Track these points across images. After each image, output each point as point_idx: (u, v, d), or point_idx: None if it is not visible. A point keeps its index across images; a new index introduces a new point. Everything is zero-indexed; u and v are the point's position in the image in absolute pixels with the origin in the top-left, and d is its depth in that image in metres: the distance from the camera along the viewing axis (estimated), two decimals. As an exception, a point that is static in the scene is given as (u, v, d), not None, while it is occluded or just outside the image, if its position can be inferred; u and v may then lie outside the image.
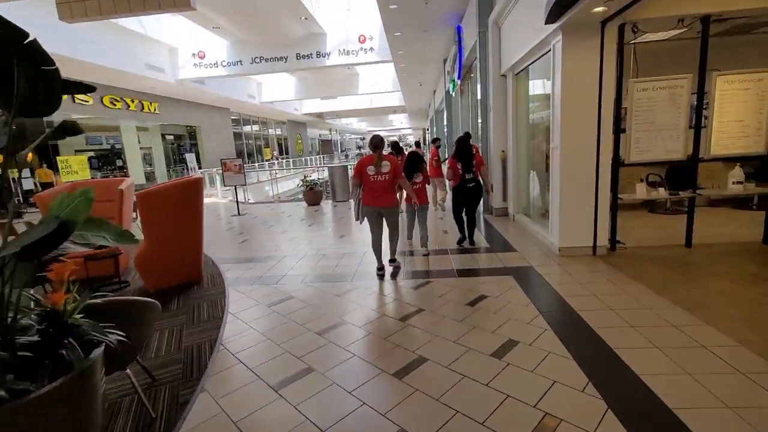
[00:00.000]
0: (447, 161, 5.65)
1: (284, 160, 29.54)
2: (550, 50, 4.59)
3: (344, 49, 14.84)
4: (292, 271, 4.67)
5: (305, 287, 4.08)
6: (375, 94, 26.72)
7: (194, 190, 4.25)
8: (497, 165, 7.01)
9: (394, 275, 4.30)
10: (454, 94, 12.37)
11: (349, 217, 8.20)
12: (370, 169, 4.08)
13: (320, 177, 10.88)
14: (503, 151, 6.93)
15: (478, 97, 7.46)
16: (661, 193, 4.50)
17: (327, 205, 10.15)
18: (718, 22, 4.82)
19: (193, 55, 15.27)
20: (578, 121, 4.27)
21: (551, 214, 4.73)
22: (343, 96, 26.78)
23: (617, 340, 2.62)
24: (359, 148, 52.55)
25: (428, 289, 3.81)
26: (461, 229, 5.37)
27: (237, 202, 9.54)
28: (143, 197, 3.87)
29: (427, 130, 36.78)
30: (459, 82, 10.60)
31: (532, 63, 5.43)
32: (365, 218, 4.32)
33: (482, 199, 7.56)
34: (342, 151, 50.50)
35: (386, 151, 4.73)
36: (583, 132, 4.29)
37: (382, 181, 4.09)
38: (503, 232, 5.94)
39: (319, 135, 45.28)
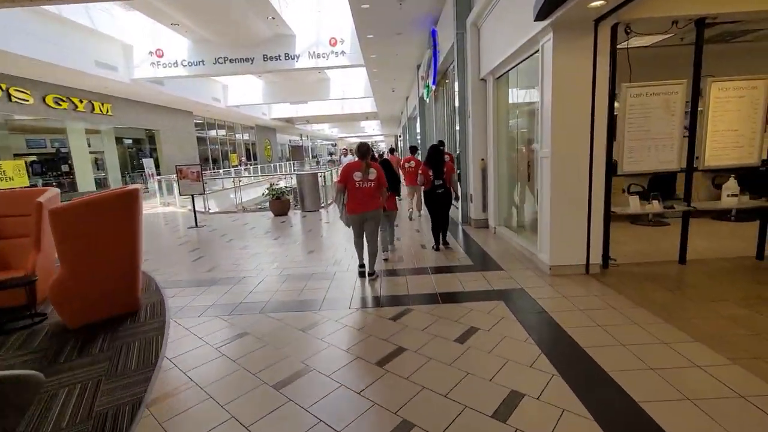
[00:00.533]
0: (420, 167, 5.77)
1: (252, 166, 28.39)
2: (537, 51, 4.22)
3: (314, 52, 14.25)
4: (249, 297, 4.01)
5: (264, 319, 3.44)
6: (346, 100, 26.23)
7: (128, 203, 3.53)
8: (477, 174, 6.62)
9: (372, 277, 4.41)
10: (428, 100, 12.03)
11: (319, 229, 7.58)
12: (357, 175, 4.11)
13: (287, 185, 10.17)
14: (483, 159, 6.55)
15: (456, 102, 7.08)
16: (655, 206, 4.20)
17: (295, 215, 9.47)
18: (708, 27, 4.66)
19: (151, 53, 14.21)
20: (570, 128, 3.90)
21: (540, 229, 4.33)
22: (313, 101, 26.10)
23: (640, 390, 2.17)
24: (331, 154, 51.69)
25: (409, 319, 3.27)
26: (437, 240, 5.52)
27: (194, 212, 8.69)
28: (57, 213, 3.13)
29: (399, 137, 36.59)
30: (434, 87, 10.26)
31: (516, 66, 5.07)
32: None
33: (460, 210, 7.19)
34: (313, 157, 49.50)
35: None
36: (575, 139, 3.92)
37: (367, 188, 4.14)
38: (485, 247, 5.52)
39: (290, 141, 44.19)
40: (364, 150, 4.19)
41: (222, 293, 4.16)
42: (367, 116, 33.15)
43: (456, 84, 6.90)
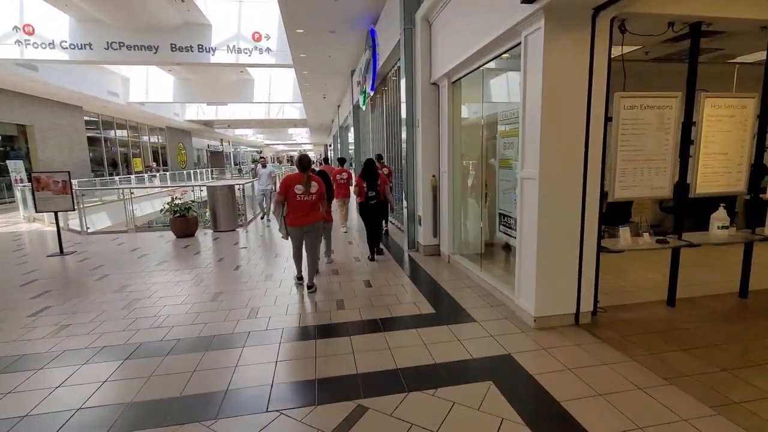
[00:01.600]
0: (354, 179, 6.06)
1: (159, 173, 24.90)
2: (514, 47, 3.40)
3: (234, 46, 12.52)
4: (98, 395, 2.48)
5: (112, 448, 1.99)
6: (273, 104, 24.41)
7: None
8: (427, 193, 5.69)
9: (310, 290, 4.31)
10: (364, 108, 11.04)
11: (234, 257, 6.03)
12: (298, 188, 4.03)
13: (194, 200, 8.27)
14: (434, 176, 5.65)
15: (402, 110, 6.11)
16: (647, 240, 3.56)
17: (205, 236, 7.72)
18: (676, 40, 4.27)
19: (16, 28, 11.30)
20: (563, 142, 3.07)
21: (521, 268, 3.44)
22: (234, 103, 23.82)
23: None
24: (254, 162, 48.37)
25: (363, 430, 2.08)
26: (371, 246, 5.71)
27: (59, 234, 6.54)
28: None
29: (330, 146, 35.29)
30: (371, 93, 9.28)
31: (480, 66, 4.22)
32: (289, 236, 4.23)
33: (406, 233, 6.19)
34: (236, 164, 45.71)
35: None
36: (568, 156, 3.10)
37: (308, 201, 4.07)
38: (442, 282, 4.54)
39: (208, 146, 40.35)
40: (305, 163, 4.14)
41: (52, 386, 2.56)
42: (295, 123, 31.40)
43: (402, 88, 5.95)
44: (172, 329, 3.40)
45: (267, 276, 4.94)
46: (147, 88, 19.61)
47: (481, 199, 4.73)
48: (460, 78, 4.81)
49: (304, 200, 4.02)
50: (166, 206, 7.63)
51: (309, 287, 4.30)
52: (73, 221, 8.67)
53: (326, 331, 3.33)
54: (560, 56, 2.96)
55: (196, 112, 26.58)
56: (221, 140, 42.82)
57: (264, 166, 9.08)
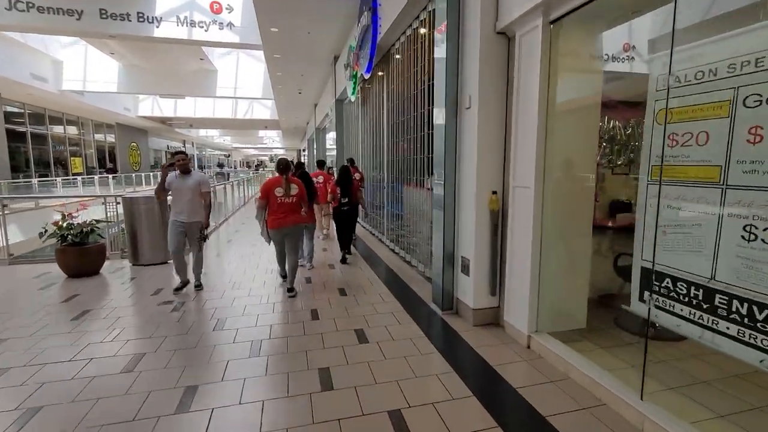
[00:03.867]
0: (329, 186, 6.06)
1: (97, 175, 21.37)
2: None
3: (186, 18, 9.86)
4: None
5: None
6: (240, 101, 21.57)
7: None
8: (481, 221, 3.33)
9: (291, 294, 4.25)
10: (354, 98, 8.63)
11: (143, 325, 3.40)
12: (278, 191, 4.08)
13: (105, 219, 5.47)
14: (494, 192, 3.31)
15: (438, 84, 3.76)
16: None
17: (116, 274, 5.02)
18: None
19: None
20: None
21: None
22: (194, 97, 20.81)
23: None
24: (220, 166, 44.63)
25: None
26: (342, 248, 5.95)
27: None
28: None
29: (303, 151, 32.60)
30: (367, 76, 6.90)
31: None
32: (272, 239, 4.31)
33: (439, 284, 3.80)
34: (200, 167, 41.97)
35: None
36: None
37: (289, 203, 4.13)
38: (556, 422, 2.17)
39: (168, 146, 36.64)
40: (283, 166, 4.16)
41: None
42: (266, 125, 28.54)
43: (441, 44, 3.60)
44: None
45: (185, 392, 2.40)
46: (85, 74, 16.42)
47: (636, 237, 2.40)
48: (575, 9, 2.50)
49: (285, 202, 4.09)
50: (52, 228, 4.88)
51: (289, 290, 4.28)
52: None
53: None
54: None
55: (151, 107, 23.31)
56: (183, 141, 39.16)
57: (185, 172, 4.26)
